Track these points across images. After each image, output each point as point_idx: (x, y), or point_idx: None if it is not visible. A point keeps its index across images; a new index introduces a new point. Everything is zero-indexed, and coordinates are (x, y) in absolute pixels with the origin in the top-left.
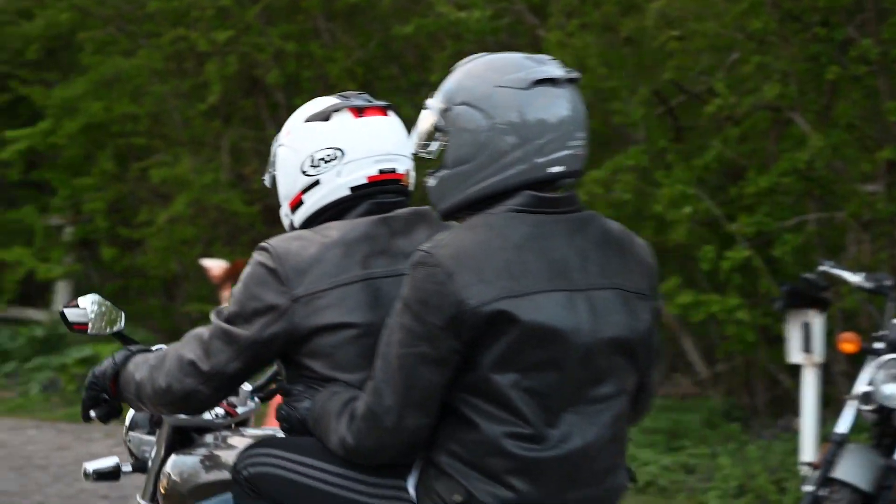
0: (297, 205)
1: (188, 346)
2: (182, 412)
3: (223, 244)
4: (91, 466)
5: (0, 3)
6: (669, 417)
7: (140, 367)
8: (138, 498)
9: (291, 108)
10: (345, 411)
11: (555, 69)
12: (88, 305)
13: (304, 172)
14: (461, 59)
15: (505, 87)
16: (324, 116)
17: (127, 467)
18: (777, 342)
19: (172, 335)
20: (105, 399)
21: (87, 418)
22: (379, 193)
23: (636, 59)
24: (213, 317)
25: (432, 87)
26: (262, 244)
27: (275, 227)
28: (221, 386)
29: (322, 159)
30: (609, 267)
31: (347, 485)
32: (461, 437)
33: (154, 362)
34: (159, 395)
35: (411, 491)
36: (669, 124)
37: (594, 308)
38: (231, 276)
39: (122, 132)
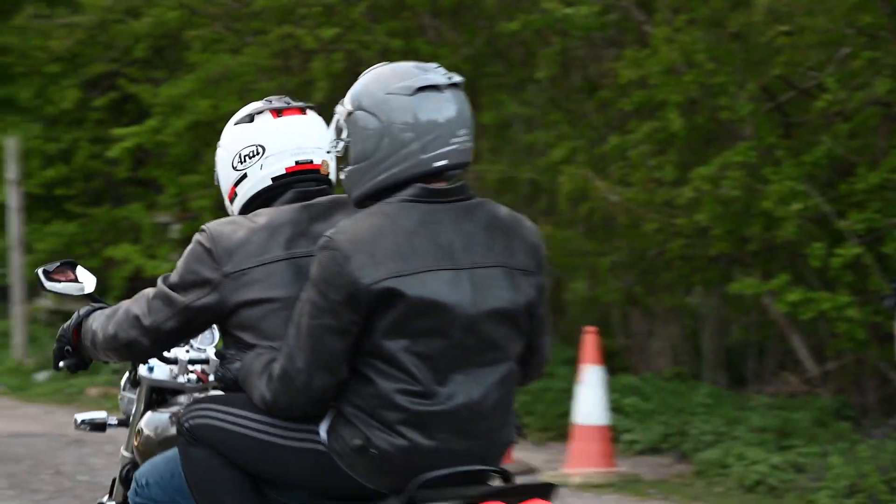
0: (233, 197)
1: (136, 303)
2: (126, 359)
3: None
4: (80, 416)
5: (108, 1)
6: (779, 416)
7: (98, 318)
8: (122, 449)
9: None
10: (264, 372)
11: (437, 76)
12: (87, 278)
13: (234, 168)
14: (568, 55)
15: (394, 94)
16: (248, 119)
17: (113, 420)
18: (888, 340)
19: None
20: (69, 350)
21: (58, 368)
22: (297, 182)
23: (744, 55)
24: (159, 281)
25: (538, 84)
26: (202, 226)
27: None
28: (158, 340)
29: (247, 155)
30: (494, 247)
31: (270, 430)
32: (362, 392)
33: (109, 313)
34: (107, 342)
35: (323, 435)
36: (778, 120)
37: (477, 284)
38: None
39: None
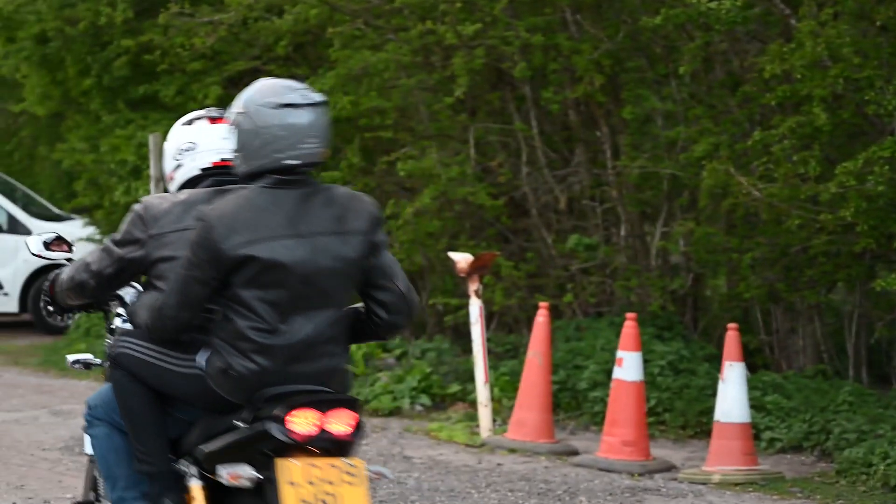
0: (171, 180)
1: (91, 254)
2: (80, 297)
3: (468, 237)
4: (72, 357)
5: None
6: None
7: (65, 269)
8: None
9: (538, 101)
10: (152, 305)
11: (297, 96)
12: (73, 249)
13: (174, 158)
14: (711, 49)
15: (264, 106)
16: (189, 122)
17: (97, 361)
18: None
19: (417, 329)
20: (47, 301)
21: (51, 315)
22: (219, 175)
23: (891, 48)
24: (107, 238)
25: (680, 79)
26: (140, 198)
27: (519, 220)
28: (100, 283)
29: (184, 150)
30: (329, 219)
31: (164, 358)
32: (226, 328)
33: (74, 264)
34: (67, 283)
35: (201, 362)
36: None
37: (314, 248)
38: (477, 268)
39: (369, 126)
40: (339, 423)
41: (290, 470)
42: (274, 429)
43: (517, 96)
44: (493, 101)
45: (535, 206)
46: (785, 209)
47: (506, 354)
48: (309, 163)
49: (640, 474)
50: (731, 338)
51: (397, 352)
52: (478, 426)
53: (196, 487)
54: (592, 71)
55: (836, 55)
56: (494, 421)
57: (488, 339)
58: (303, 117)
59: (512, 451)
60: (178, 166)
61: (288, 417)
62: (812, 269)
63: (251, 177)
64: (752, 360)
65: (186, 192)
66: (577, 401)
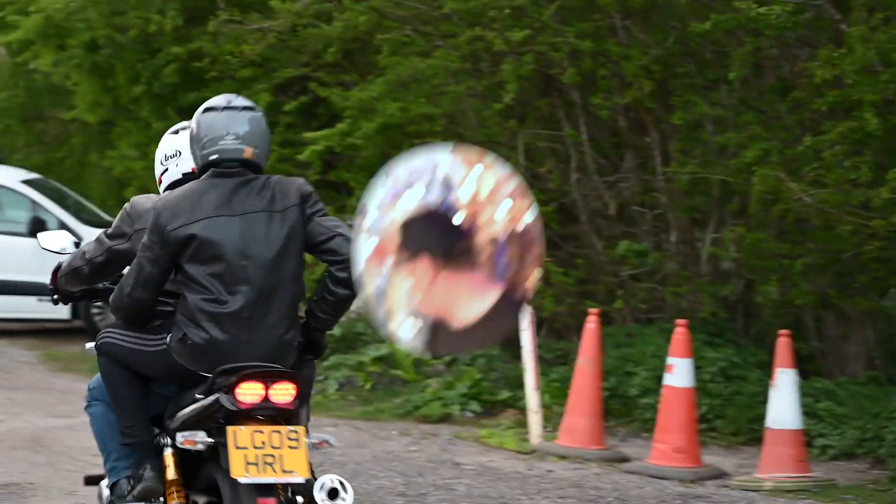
0: (160, 183)
1: (87, 244)
2: (76, 282)
3: None
4: (89, 345)
5: (299, 6)
6: None
7: (68, 258)
8: None
9: (587, 107)
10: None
11: (219, 101)
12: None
13: (161, 163)
14: (761, 54)
15: (198, 113)
16: (175, 132)
17: None
18: None
19: None
20: (52, 289)
21: (55, 303)
22: None
23: None
24: (101, 231)
25: (730, 84)
26: (131, 199)
27: (569, 226)
28: (93, 270)
29: (170, 156)
30: (260, 200)
31: (138, 341)
32: (183, 304)
33: (75, 252)
34: (65, 269)
35: (168, 340)
36: None
37: (247, 224)
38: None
39: (418, 132)
40: (282, 393)
41: (238, 435)
42: (224, 399)
43: (566, 102)
44: (541, 107)
45: (584, 213)
46: (836, 215)
47: (556, 361)
48: (231, 158)
49: (692, 481)
50: (783, 344)
51: (447, 358)
52: (528, 433)
53: (168, 455)
54: (641, 77)
55: (887, 60)
56: (545, 427)
57: (538, 346)
58: (220, 118)
59: (562, 457)
60: (165, 171)
61: (237, 389)
62: (864, 275)
63: (200, 174)
64: (804, 367)
65: (168, 193)
66: (627, 407)
